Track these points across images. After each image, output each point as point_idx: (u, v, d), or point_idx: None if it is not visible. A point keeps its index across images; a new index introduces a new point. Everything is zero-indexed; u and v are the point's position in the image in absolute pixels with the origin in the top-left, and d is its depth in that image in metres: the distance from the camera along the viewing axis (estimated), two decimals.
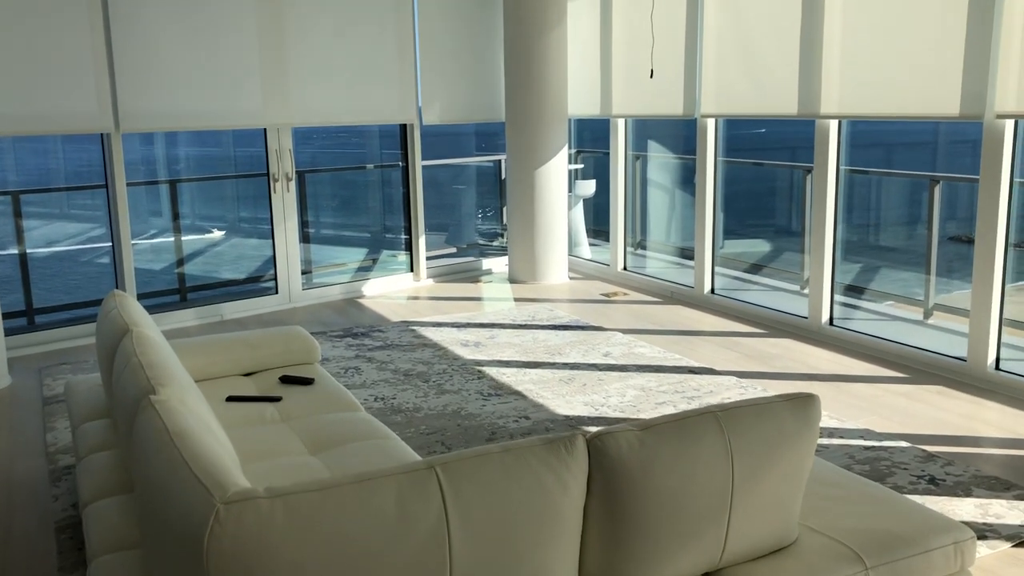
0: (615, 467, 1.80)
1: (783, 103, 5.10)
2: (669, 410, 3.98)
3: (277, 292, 6.20)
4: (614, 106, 6.48)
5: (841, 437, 3.61)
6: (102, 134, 5.42)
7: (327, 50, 6.07)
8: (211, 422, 2.20)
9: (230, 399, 3.10)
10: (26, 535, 2.94)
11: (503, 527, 1.67)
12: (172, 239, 6.60)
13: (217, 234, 7.54)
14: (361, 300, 6.38)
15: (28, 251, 5.81)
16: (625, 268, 6.87)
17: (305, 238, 6.61)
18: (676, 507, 1.86)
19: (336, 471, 2.51)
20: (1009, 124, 4.02)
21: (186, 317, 5.80)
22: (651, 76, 5.93)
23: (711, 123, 5.78)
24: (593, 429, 3.72)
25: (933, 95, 4.27)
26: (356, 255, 7.43)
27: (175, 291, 6.47)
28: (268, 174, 6.05)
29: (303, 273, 6.38)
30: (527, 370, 4.55)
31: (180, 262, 6.50)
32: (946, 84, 4.21)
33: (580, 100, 6.84)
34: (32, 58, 5.03)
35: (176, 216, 6.64)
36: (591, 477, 1.81)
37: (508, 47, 6.52)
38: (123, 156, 5.45)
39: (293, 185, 6.13)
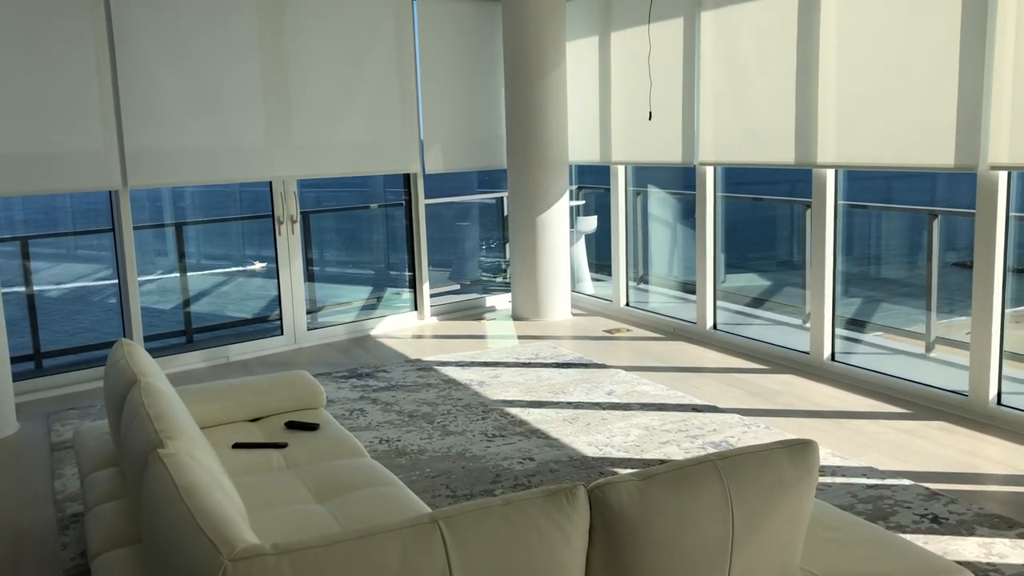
0: (616, 518, 1.83)
1: (780, 152, 5.17)
2: (673, 449, 4.00)
3: (282, 333, 6.24)
4: (614, 153, 6.57)
5: (844, 475, 3.63)
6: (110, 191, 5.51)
7: (331, 102, 6.17)
8: (219, 474, 2.23)
9: (236, 446, 3.14)
10: None
11: None
12: (178, 279, 6.67)
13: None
14: (366, 340, 6.42)
15: (36, 291, 5.87)
16: (628, 304, 6.91)
17: (310, 277, 6.67)
18: (677, 556, 1.88)
19: (342, 519, 2.54)
20: (1003, 175, 4.09)
21: (193, 360, 5.84)
22: (650, 118, 6.01)
23: (710, 170, 5.86)
24: (598, 473, 3.74)
25: (928, 146, 4.35)
26: (360, 293, 7.49)
27: (181, 332, 6.52)
28: (273, 216, 6.12)
29: (308, 312, 6.43)
30: (531, 409, 4.58)
31: (187, 302, 6.56)
32: (941, 136, 4.28)
33: (580, 146, 6.94)
34: (41, 117, 5.12)
35: (182, 256, 6.71)
36: (592, 528, 1.84)
37: (508, 94, 6.62)
38: (130, 210, 5.55)
39: (298, 227, 6.20)
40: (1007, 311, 4.29)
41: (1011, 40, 3.92)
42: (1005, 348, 4.28)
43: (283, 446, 3.14)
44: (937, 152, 4.31)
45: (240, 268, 7.75)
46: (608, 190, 7.02)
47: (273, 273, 6.31)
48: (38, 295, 5.98)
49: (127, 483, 2.37)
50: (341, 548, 1.59)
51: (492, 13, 6.96)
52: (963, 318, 5.59)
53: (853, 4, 4.65)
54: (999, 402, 4.23)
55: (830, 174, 5.00)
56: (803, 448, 2.06)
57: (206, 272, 7.68)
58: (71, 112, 5.21)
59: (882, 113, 4.56)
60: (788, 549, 2.04)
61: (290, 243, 6.20)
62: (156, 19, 5.45)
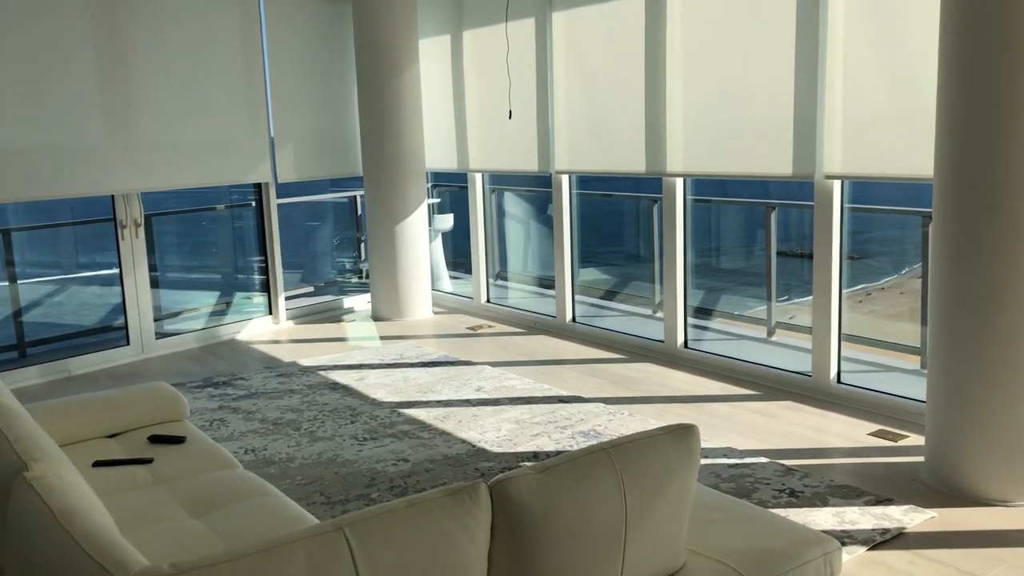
0: (517, 511, 1.86)
1: (631, 161, 5.38)
2: (544, 441, 4.07)
3: (129, 343, 5.91)
4: (471, 160, 6.62)
5: (706, 457, 3.81)
6: None
7: (176, 111, 5.89)
8: (90, 495, 2.10)
9: (97, 464, 2.96)
10: None
11: None
12: (7, 288, 6.19)
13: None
14: (219, 347, 6.18)
15: None
16: (488, 300, 6.97)
17: (154, 283, 6.35)
18: (575, 544, 1.93)
19: (223, 534, 2.44)
20: (836, 183, 4.42)
21: (29, 375, 5.44)
22: (510, 117, 6.09)
23: (565, 178, 6.01)
24: (474, 469, 3.76)
25: (769, 156, 4.65)
26: (208, 299, 7.19)
27: (13, 347, 6.06)
28: (115, 220, 5.79)
29: (155, 320, 6.12)
30: (401, 410, 4.55)
31: (17, 314, 6.10)
32: (780, 147, 4.60)
33: (437, 153, 6.95)
34: None
35: (10, 264, 6.24)
36: (495, 523, 1.86)
37: (362, 95, 6.54)
38: None
39: (142, 231, 5.89)
40: (844, 292, 4.64)
41: (840, 61, 4.25)
42: (843, 331, 4.62)
43: (148, 461, 2.99)
44: (777, 162, 4.61)
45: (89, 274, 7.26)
46: (463, 188, 7.06)
47: (114, 280, 5.97)
48: None
49: None
50: (245, 563, 1.54)
51: (342, 9, 6.84)
52: (797, 301, 5.99)
53: (696, 21, 4.90)
54: (839, 380, 4.55)
55: (679, 180, 5.24)
56: (686, 432, 2.15)
57: (38, 280, 7.16)
58: None
59: (726, 125, 4.83)
60: (675, 530, 2.13)
61: (134, 248, 5.88)
62: None
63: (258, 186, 6.59)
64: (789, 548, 2.25)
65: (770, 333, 5.83)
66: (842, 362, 4.58)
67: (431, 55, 6.85)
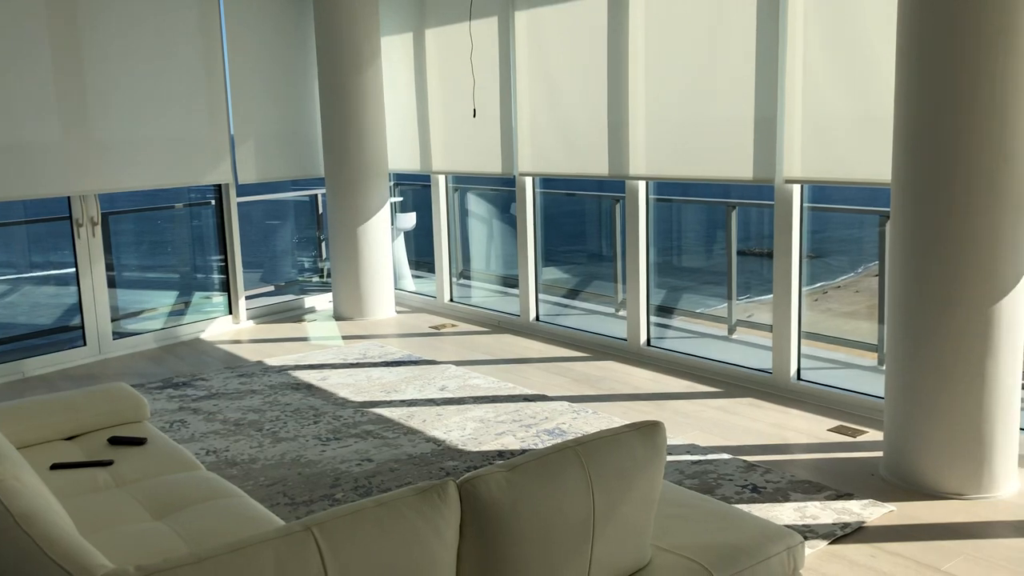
0: (486, 509, 1.86)
1: (595, 164, 5.41)
2: (509, 439, 4.08)
3: (85, 343, 5.81)
4: (434, 162, 6.61)
5: (670, 453, 3.84)
6: None
7: (135, 110, 5.79)
8: (50, 498, 2.06)
9: (55, 467, 2.90)
10: None
11: None
12: None
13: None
14: (178, 347, 6.09)
15: None
16: (451, 299, 6.96)
17: (111, 283, 6.24)
18: (544, 541, 1.93)
19: (186, 536, 2.41)
20: (796, 188, 4.48)
21: None
22: (474, 115, 6.08)
23: (529, 180, 6.02)
24: (439, 468, 3.75)
25: (730, 161, 4.71)
26: (166, 299, 7.09)
27: None
28: (71, 218, 5.68)
29: (112, 320, 6.01)
30: (364, 410, 4.52)
31: None
32: (741, 152, 4.66)
33: (400, 154, 6.93)
34: None
35: None
36: (463, 521, 1.86)
37: (323, 93, 6.49)
38: None
39: (99, 230, 5.79)
40: (804, 289, 4.71)
41: (799, 69, 4.32)
42: (802, 329, 4.69)
43: (108, 463, 2.94)
44: (738, 166, 4.67)
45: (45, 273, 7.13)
46: (425, 186, 7.04)
47: (68, 280, 5.86)
48: None
49: None
50: (211, 564, 1.52)
51: (303, 6, 6.78)
52: (757, 299, 6.07)
53: (658, 23, 4.94)
54: (799, 378, 4.62)
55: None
56: (652, 429, 2.17)
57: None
58: None
59: (688, 128, 4.88)
60: (642, 527, 2.14)
61: (91, 247, 5.77)
62: None
63: (218, 185, 6.51)
64: (753, 543, 2.28)
65: (731, 331, 5.90)
66: (802, 359, 4.64)
67: (393, 53, 6.82)
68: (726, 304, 5.94)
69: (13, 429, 3.07)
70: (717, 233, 6.92)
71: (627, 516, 2.08)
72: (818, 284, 6.95)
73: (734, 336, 5.84)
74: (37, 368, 5.55)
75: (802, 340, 4.66)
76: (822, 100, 4.25)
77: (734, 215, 5.88)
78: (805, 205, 4.59)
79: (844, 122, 4.18)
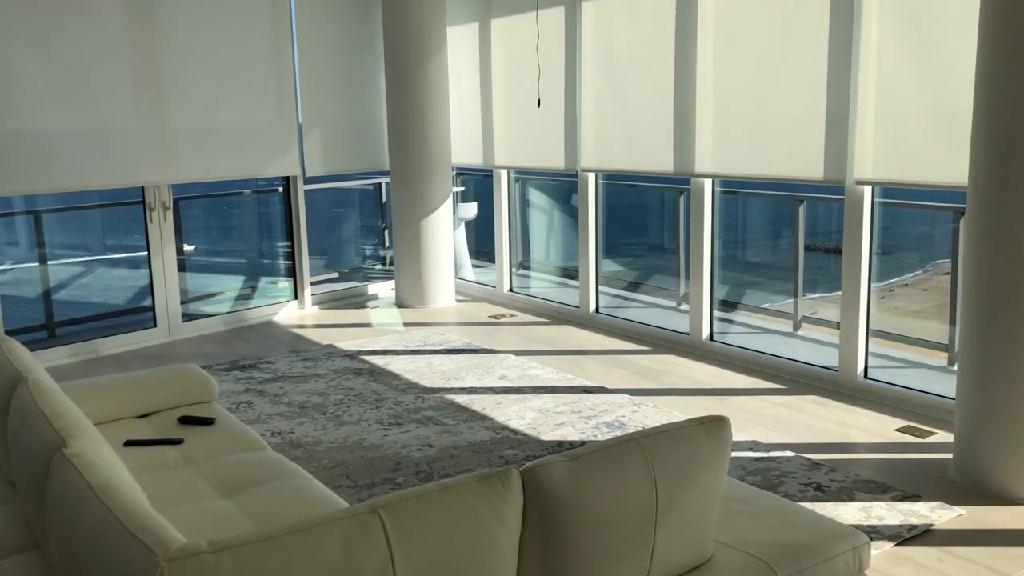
0: (548, 498, 1.86)
1: (659, 161, 5.36)
2: (568, 430, 4.08)
3: (156, 325, 5.97)
4: (496, 157, 6.63)
5: (732, 449, 3.79)
6: None
7: (206, 108, 5.93)
8: (125, 473, 2.13)
9: (128, 443, 2.99)
10: None
11: (446, 565, 1.70)
12: (36, 269, 6.27)
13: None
14: (245, 330, 6.23)
15: None
16: (511, 289, 6.98)
17: (181, 266, 6.40)
18: (605, 532, 1.93)
19: (252, 515, 2.47)
20: (867, 189, 4.38)
21: (60, 355, 5.51)
22: (539, 105, 6.08)
23: (591, 176, 6.00)
24: (498, 456, 3.77)
25: (800, 160, 4.61)
26: (234, 283, 7.24)
27: (43, 326, 6.14)
28: (144, 203, 5.84)
29: (181, 303, 6.17)
30: (425, 396, 4.57)
31: (47, 294, 6.17)
32: (811, 151, 4.56)
33: (463, 148, 6.96)
34: None
35: (40, 245, 6.31)
36: (526, 509, 1.87)
37: (389, 83, 6.55)
38: None
39: (170, 214, 5.94)
40: (873, 285, 4.61)
41: (873, 68, 4.21)
42: (870, 327, 4.59)
43: (179, 442, 3.02)
44: (808, 166, 4.57)
45: (115, 256, 7.36)
46: (487, 176, 7.06)
47: (140, 263, 6.03)
48: None
49: (22, 487, 2.23)
50: (281, 542, 1.55)
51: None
52: (824, 295, 5.95)
53: (728, 17, 4.86)
54: (866, 376, 4.53)
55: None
56: (717, 424, 2.15)
57: (67, 261, 7.24)
58: None
59: (756, 126, 4.80)
60: (705, 521, 2.13)
61: (162, 231, 5.93)
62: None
63: (286, 176, 6.62)
64: (818, 541, 2.25)
65: (796, 327, 5.80)
66: (869, 357, 4.55)
67: (458, 44, 6.84)
68: (791, 300, 5.85)
69: (89, 406, 3.18)
70: (784, 227, 6.80)
71: (689, 511, 2.07)
72: (886, 282, 6.80)
73: (799, 332, 5.75)
74: (110, 348, 5.72)
75: (870, 338, 4.57)
76: (897, 96, 4.14)
77: (802, 209, 5.77)
78: (876, 201, 4.49)
79: (920, 120, 4.07)
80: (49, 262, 6.47)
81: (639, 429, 2.08)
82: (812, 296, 6.01)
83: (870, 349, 4.58)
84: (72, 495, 1.80)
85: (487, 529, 1.76)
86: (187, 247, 7.31)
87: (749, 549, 2.21)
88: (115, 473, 1.91)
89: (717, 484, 2.12)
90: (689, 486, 2.06)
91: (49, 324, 6.16)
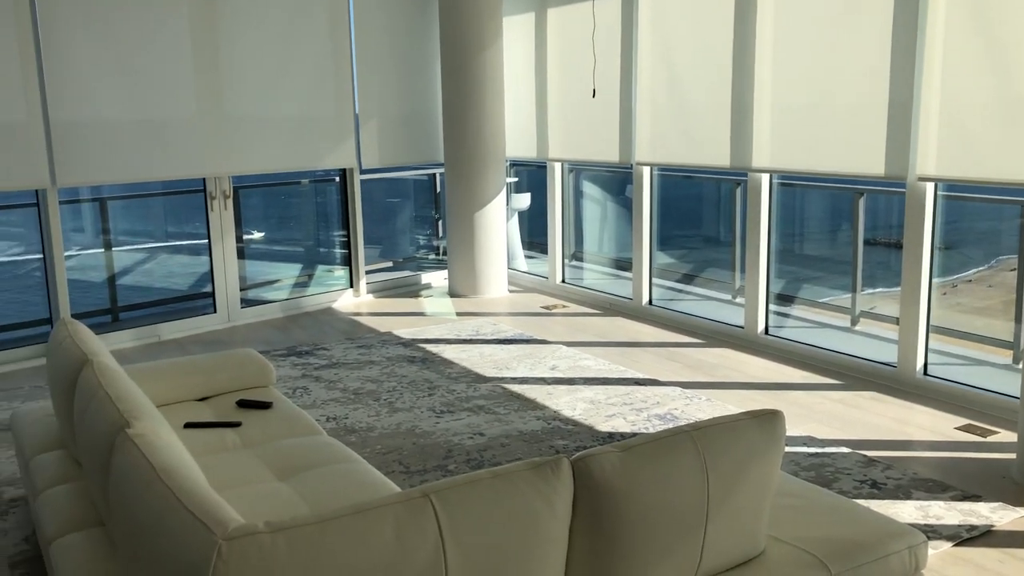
0: (599, 487, 1.87)
1: (716, 155, 5.30)
2: (620, 422, 4.07)
3: (215, 311, 6.10)
4: (551, 149, 6.63)
5: (786, 445, 3.75)
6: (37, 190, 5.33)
7: (266, 100, 6.03)
8: (186, 454, 2.19)
9: (188, 425, 3.07)
10: None
11: (496, 551, 1.71)
12: (101, 255, 6.44)
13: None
14: (302, 317, 6.33)
15: None
16: (563, 280, 6.97)
17: (240, 254, 6.53)
18: (656, 524, 1.93)
19: (308, 498, 2.51)
20: (930, 186, 4.26)
21: (123, 339, 5.67)
22: (594, 95, 6.05)
23: (646, 170, 5.96)
24: (548, 446, 3.78)
25: (860, 155, 4.51)
26: (291, 271, 7.36)
27: (107, 311, 6.31)
28: (205, 191, 5.96)
29: (240, 290, 6.29)
30: (476, 385, 4.60)
31: (111, 280, 6.35)
32: (872, 146, 4.45)
33: (517, 141, 6.97)
34: None
35: (105, 231, 6.49)
36: (576, 498, 1.87)
37: (445, 73, 6.57)
38: (58, 209, 5.38)
39: (231, 202, 6.05)
40: (933, 282, 4.50)
41: (938, 57, 4.10)
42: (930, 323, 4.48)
43: (237, 425, 3.09)
44: (868, 161, 4.48)
45: (186, 243, 7.54)
46: (540, 167, 7.05)
47: (199, 250, 6.15)
48: None
49: (87, 465, 2.30)
50: (335, 525, 1.58)
51: None
52: (883, 291, 5.83)
53: (788, 6, 4.77)
54: (926, 372, 4.43)
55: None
56: (771, 418, 2.13)
57: (130, 248, 7.43)
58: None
59: (816, 121, 4.71)
60: (756, 516, 2.11)
61: (223, 218, 6.04)
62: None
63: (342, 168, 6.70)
64: (872, 539, 2.22)
65: (854, 322, 5.70)
66: (929, 354, 4.45)
67: (515, 35, 6.83)
68: (849, 294, 5.74)
69: (151, 388, 3.26)
70: (843, 220, 6.68)
71: (741, 504, 2.05)
72: (948, 278, 6.63)
73: (857, 328, 5.64)
74: (171, 332, 5.86)
75: (930, 334, 4.47)
76: (963, 87, 4.02)
77: (861, 202, 5.67)
78: (939, 194, 4.38)
79: (988, 113, 3.94)
80: (113, 248, 6.65)
81: (691, 422, 2.06)
82: (871, 291, 5.90)
83: (931, 346, 4.48)
84: (134, 475, 1.85)
85: (537, 517, 1.77)
86: (254, 233, 7.47)
87: (801, 544, 2.18)
88: (176, 454, 1.96)
89: (770, 478, 2.10)
90: (741, 480, 2.04)
91: (113, 309, 6.34)
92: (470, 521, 1.69)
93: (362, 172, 6.75)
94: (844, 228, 6.38)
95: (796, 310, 6.01)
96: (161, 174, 5.67)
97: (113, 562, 2.20)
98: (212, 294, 6.13)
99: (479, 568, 1.69)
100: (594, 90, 6.05)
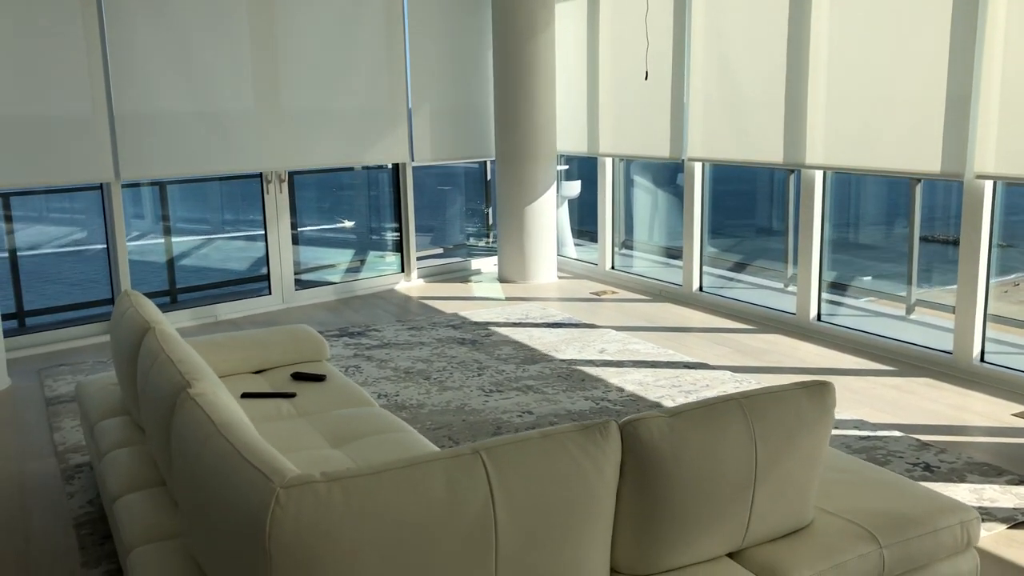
0: (647, 451, 1.89)
1: (768, 152, 5.25)
2: (668, 404, 4.07)
3: (270, 293, 6.23)
4: (602, 144, 6.63)
5: (837, 428, 3.72)
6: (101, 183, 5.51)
7: (322, 97, 6.14)
8: (242, 413, 2.25)
9: (245, 395, 3.15)
10: (45, 533, 2.97)
11: (544, 509, 1.74)
12: (161, 240, 6.61)
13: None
14: (354, 300, 6.43)
15: (17, 253, 5.79)
16: (613, 267, 6.97)
17: (295, 240, 6.65)
18: (703, 490, 1.94)
19: (360, 462, 2.57)
20: (988, 184, 4.18)
21: (181, 318, 5.82)
22: (646, 78, 6.03)
23: (697, 166, 5.92)
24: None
25: (916, 152, 4.43)
26: (344, 256, 7.47)
27: (166, 292, 6.48)
28: (261, 176, 6.08)
29: (295, 273, 6.41)
30: (526, 366, 4.63)
31: (170, 263, 6.51)
32: (928, 143, 4.36)
33: (568, 136, 6.98)
34: (37, 115, 5.09)
35: (165, 218, 6.65)
36: (624, 461, 1.89)
37: (496, 64, 6.61)
38: (122, 201, 5.55)
39: (286, 187, 6.17)
40: (993, 281, 4.41)
41: (999, 52, 4.00)
42: (989, 313, 4.40)
43: (292, 396, 3.16)
44: (924, 159, 4.39)
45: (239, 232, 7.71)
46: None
47: (256, 237, 6.27)
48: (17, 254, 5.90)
49: (148, 427, 2.38)
50: (389, 476, 1.63)
51: None
52: (937, 288, 5.72)
53: (844, 10, 4.70)
54: (982, 359, 4.35)
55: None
56: (821, 389, 2.13)
57: (189, 237, 7.61)
58: (65, 114, 5.15)
59: (871, 118, 4.64)
60: (805, 486, 2.11)
61: (278, 203, 6.16)
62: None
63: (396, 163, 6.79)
64: (924, 513, 2.20)
65: (909, 311, 5.61)
66: (986, 342, 4.37)
67: (566, 26, 6.83)
68: (905, 284, 5.65)
69: (210, 359, 3.36)
70: (899, 207, 6.57)
71: (790, 473, 2.06)
72: (1010, 276, 6.46)
73: (912, 316, 5.55)
74: (228, 313, 6.00)
75: (988, 324, 4.38)
76: None
77: (918, 189, 5.57)
78: (999, 190, 4.28)
79: None
80: (173, 233, 6.82)
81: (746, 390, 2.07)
82: (927, 287, 5.78)
83: (988, 335, 4.40)
84: (195, 430, 1.92)
85: (585, 477, 1.79)
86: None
87: (851, 516, 2.18)
88: (234, 412, 2.03)
89: (818, 449, 2.10)
90: (790, 449, 2.04)
91: (172, 290, 6.50)
92: (519, 478, 1.72)
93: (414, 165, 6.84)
94: (900, 215, 6.28)
95: (850, 298, 5.94)
96: (220, 168, 5.80)
97: (173, 518, 2.28)
98: (267, 277, 6.25)
99: (527, 524, 1.72)
100: (647, 72, 6.03)
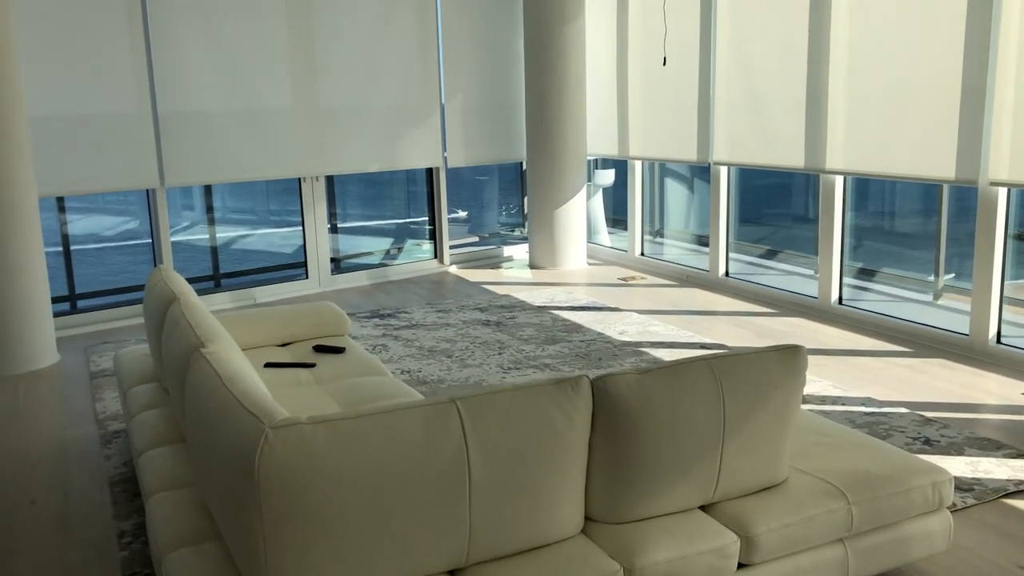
0: (616, 405, 2.02)
1: (791, 156, 5.32)
2: None
3: (307, 277, 6.45)
4: (631, 147, 6.73)
5: (844, 404, 3.80)
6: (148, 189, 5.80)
7: (358, 104, 6.36)
8: (249, 368, 2.43)
9: (268, 365, 3.34)
10: (83, 490, 3.20)
11: (516, 456, 1.88)
12: (206, 228, 6.88)
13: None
14: (387, 285, 6.62)
15: (70, 239, 6.10)
16: (643, 253, 7.06)
17: (333, 229, 6.87)
18: (672, 443, 2.06)
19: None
20: (1002, 191, 4.20)
21: (221, 300, 6.07)
22: (664, 64, 6.11)
23: (723, 169, 5.99)
24: None
25: (932, 159, 4.47)
26: (382, 244, 7.68)
27: (209, 277, 6.74)
28: None
29: (331, 260, 6.63)
30: (545, 346, 4.77)
31: (213, 251, 6.77)
32: (944, 150, 4.40)
33: (598, 139, 7.10)
34: (85, 115, 5.38)
35: (210, 209, 6.92)
36: (595, 414, 2.02)
37: (529, 90, 6.78)
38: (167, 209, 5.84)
39: (322, 179, 6.39)
40: (1008, 283, 4.43)
41: (1013, 60, 4.02)
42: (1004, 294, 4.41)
43: (311, 366, 3.35)
44: (940, 165, 4.43)
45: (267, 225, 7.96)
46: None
47: (295, 223, 6.49)
48: (71, 244, 6.22)
49: (170, 387, 2.58)
50: (370, 420, 1.79)
51: None
52: (958, 283, 5.70)
53: (862, 17, 4.74)
54: (998, 340, 4.37)
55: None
56: (791, 352, 2.23)
57: (237, 220, 7.89)
58: (113, 123, 5.44)
59: (889, 124, 4.68)
60: (776, 443, 2.21)
61: (314, 190, 6.38)
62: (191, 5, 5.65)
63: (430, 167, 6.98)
64: (895, 472, 2.29)
65: (936, 296, 5.62)
66: (1003, 325, 4.38)
67: (594, 23, 6.93)
68: (931, 270, 5.65)
69: (238, 333, 3.56)
70: (927, 192, 6.54)
71: (759, 430, 2.17)
72: None
73: (939, 302, 5.56)
74: (266, 296, 6.24)
75: (1005, 306, 4.39)
76: None
77: (946, 187, 5.56)
78: (1013, 195, 4.29)
79: None
80: (218, 224, 7.09)
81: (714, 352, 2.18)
82: (951, 278, 5.77)
83: (1006, 318, 4.41)
84: (204, 383, 2.10)
85: (556, 428, 1.93)
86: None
87: (822, 475, 2.28)
88: (239, 368, 2.20)
89: (788, 408, 2.20)
90: (759, 406, 2.15)
91: (215, 276, 6.77)
92: (492, 425, 1.86)
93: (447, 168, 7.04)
94: (929, 200, 6.26)
95: (877, 284, 5.95)
96: (261, 174, 6.06)
97: (188, 470, 2.47)
98: (304, 262, 6.48)
99: (500, 469, 1.86)
100: (664, 58, 6.11)
